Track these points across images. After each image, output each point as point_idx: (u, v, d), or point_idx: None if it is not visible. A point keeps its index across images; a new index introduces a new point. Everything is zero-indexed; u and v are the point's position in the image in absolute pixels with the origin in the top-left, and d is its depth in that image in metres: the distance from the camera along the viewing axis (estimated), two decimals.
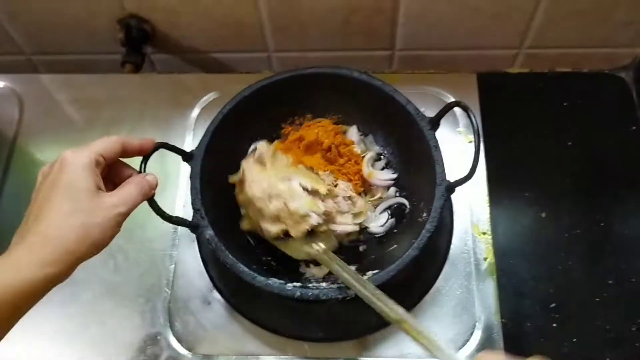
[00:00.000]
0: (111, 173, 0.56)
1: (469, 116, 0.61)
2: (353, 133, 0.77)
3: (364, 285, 0.56)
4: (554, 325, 0.74)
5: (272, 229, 0.64)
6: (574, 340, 0.74)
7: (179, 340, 0.69)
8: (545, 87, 0.93)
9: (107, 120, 0.84)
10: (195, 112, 0.84)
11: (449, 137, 0.78)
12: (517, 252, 0.79)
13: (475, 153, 0.59)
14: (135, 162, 0.58)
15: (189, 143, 0.82)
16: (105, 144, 0.53)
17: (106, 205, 0.50)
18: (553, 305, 0.76)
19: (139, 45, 0.89)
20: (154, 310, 0.70)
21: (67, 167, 0.50)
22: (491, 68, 0.94)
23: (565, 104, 0.90)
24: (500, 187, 0.82)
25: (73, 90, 0.87)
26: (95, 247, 0.49)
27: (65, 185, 0.49)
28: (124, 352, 0.68)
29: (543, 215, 0.82)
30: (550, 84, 0.93)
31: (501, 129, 0.87)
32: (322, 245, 0.64)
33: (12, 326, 0.47)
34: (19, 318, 0.47)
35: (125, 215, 0.51)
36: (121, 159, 0.57)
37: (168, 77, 0.90)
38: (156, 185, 0.56)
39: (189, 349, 0.68)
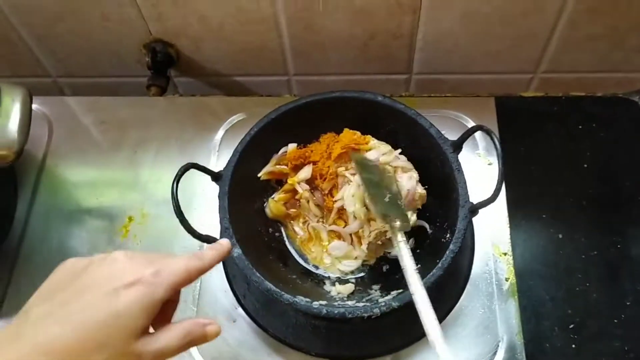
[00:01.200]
0: None
1: (492, 140, 0.62)
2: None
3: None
4: (573, 346, 0.75)
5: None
6: None
7: (204, 358, 0.69)
8: (560, 110, 0.94)
9: (133, 141, 0.86)
10: (220, 134, 0.86)
11: (468, 159, 0.79)
12: (536, 273, 0.79)
13: (499, 176, 0.61)
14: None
15: (214, 163, 0.83)
16: (180, 275, 0.43)
17: (139, 355, 0.40)
18: (572, 326, 0.76)
19: (164, 69, 0.91)
20: None
21: (126, 296, 0.40)
22: (506, 92, 0.96)
23: (580, 127, 0.92)
24: (518, 209, 0.83)
25: (99, 113, 0.89)
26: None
27: (111, 312, 0.40)
28: None
29: (560, 236, 0.83)
30: (565, 107, 0.94)
31: (518, 151, 0.89)
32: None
33: None
34: None
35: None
36: None
37: (192, 99, 0.92)
38: (218, 333, 0.46)
39: None
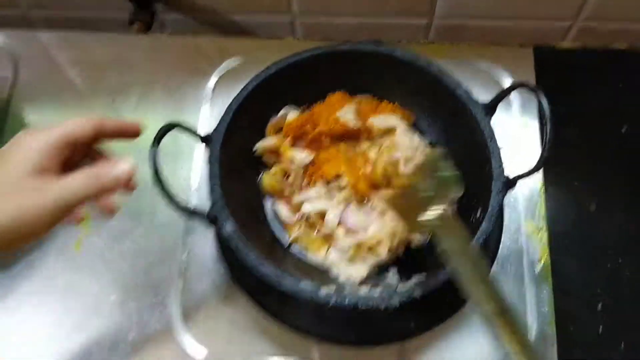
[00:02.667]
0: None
1: (539, 100, 0.55)
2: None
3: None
4: (601, 328, 0.69)
5: None
6: (622, 345, 0.69)
7: (192, 337, 0.63)
8: (599, 65, 0.86)
9: (112, 86, 0.77)
10: (212, 81, 0.77)
11: (500, 120, 0.70)
12: (563, 247, 0.73)
13: (546, 143, 0.55)
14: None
15: (205, 114, 0.75)
16: (73, 126, 0.47)
17: (39, 188, 0.44)
18: (601, 306, 0.70)
19: (149, 1, 0.80)
20: (163, 304, 0.64)
21: (18, 142, 0.46)
22: (539, 42, 0.86)
23: (620, 85, 0.84)
24: (554, 177, 0.76)
25: (75, 51, 0.79)
26: (14, 231, 0.43)
27: (5, 157, 0.45)
28: (131, 350, 0.62)
29: (593, 207, 0.76)
30: (605, 62, 0.86)
31: (552, 111, 0.81)
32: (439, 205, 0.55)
33: None
34: None
35: (62, 205, 0.44)
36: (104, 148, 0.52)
37: (181, 39, 0.82)
38: (127, 176, 0.48)
39: (203, 347, 0.62)
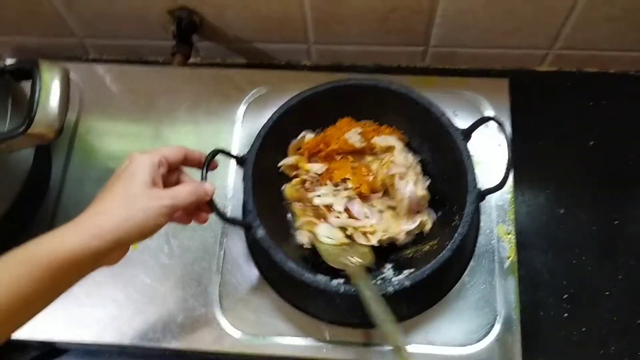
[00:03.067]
0: (173, 179, 0.63)
1: (503, 131, 0.66)
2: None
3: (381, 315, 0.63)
4: (565, 315, 0.81)
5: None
6: (583, 329, 0.80)
7: (228, 321, 0.75)
8: (573, 86, 0.97)
9: (160, 111, 0.89)
10: (243, 107, 0.89)
11: (478, 140, 0.81)
12: (535, 245, 0.85)
13: (507, 166, 0.65)
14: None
15: (237, 135, 0.87)
16: (170, 150, 0.61)
17: (154, 196, 0.55)
18: (566, 296, 0.82)
19: (188, 35, 0.93)
20: (205, 293, 0.77)
21: (132, 162, 0.57)
22: (520, 65, 0.98)
23: (590, 103, 0.94)
24: (522, 184, 0.87)
25: (127, 81, 0.91)
26: (138, 230, 0.54)
27: (126, 175, 0.56)
28: (180, 330, 0.75)
29: (562, 211, 0.87)
30: (578, 83, 0.97)
31: (527, 126, 0.91)
32: (358, 259, 0.70)
33: (56, 295, 0.52)
34: (63, 288, 0.52)
35: (170, 208, 0.56)
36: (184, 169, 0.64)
37: (215, 71, 0.94)
38: (212, 193, 0.62)
39: (237, 329, 0.75)
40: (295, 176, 0.80)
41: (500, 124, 0.67)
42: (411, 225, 0.75)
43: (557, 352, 0.80)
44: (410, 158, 0.79)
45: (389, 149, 0.80)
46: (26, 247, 0.51)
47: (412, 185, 0.75)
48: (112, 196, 0.55)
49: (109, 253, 0.54)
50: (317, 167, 0.79)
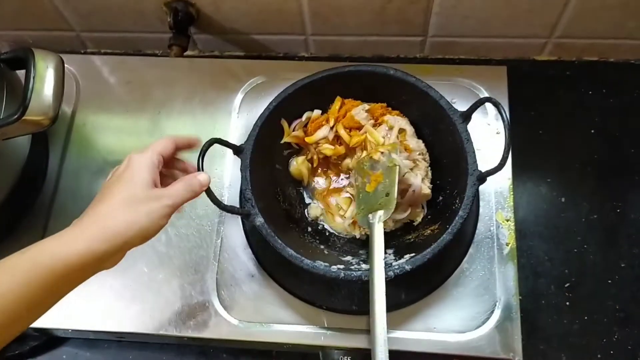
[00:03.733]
0: (170, 168, 0.64)
1: (500, 112, 0.65)
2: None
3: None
4: (567, 303, 0.81)
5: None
6: (585, 318, 0.80)
7: (225, 308, 0.75)
8: (572, 75, 0.97)
9: (157, 101, 0.89)
10: (240, 96, 0.89)
11: (478, 127, 0.82)
12: (536, 234, 0.85)
13: (505, 146, 0.64)
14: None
15: (234, 124, 0.87)
16: (163, 144, 0.61)
17: (156, 197, 0.56)
18: (567, 285, 0.82)
19: (185, 27, 0.93)
20: (203, 281, 0.77)
21: (131, 164, 0.57)
22: (520, 55, 0.98)
23: (590, 92, 0.95)
24: (523, 173, 0.87)
25: (124, 72, 0.91)
26: (142, 233, 0.55)
27: (126, 178, 0.56)
28: (177, 318, 0.75)
29: (563, 200, 0.87)
30: (578, 72, 0.97)
31: (526, 115, 0.92)
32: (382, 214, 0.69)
33: (58, 298, 0.53)
34: (66, 291, 0.53)
35: (171, 207, 0.57)
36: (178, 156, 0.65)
37: (214, 61, 0.95)
38: (208, 183, 0.62)
39: (234, 316, 0.74)
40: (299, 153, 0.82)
41: (497, 105, 0.66)
42: (402, 214, 0.75)
43: (559, 340, 0.80)
44: (422, 145, 0.78)
45: (400, 131, 0.79)
46: (31, 251, 0.51)
47: (420, 180, 0.74)
48: (114, 199, 0.55)
49: (112, 256, 0.55)
50: (322, 133, 0.79)
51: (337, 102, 0.79)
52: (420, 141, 0.79)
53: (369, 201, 0.72)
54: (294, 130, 0.80)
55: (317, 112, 0.80)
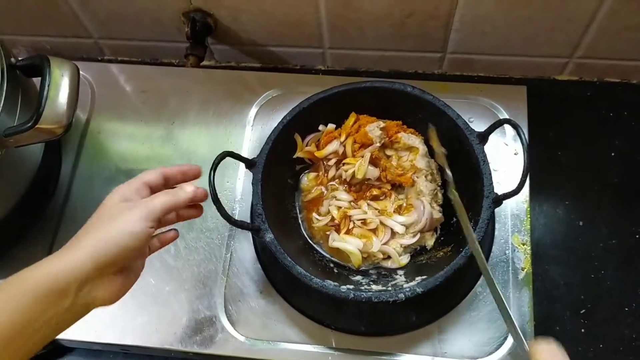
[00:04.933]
0: None
1: (519, 135, 0.64)
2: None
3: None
4: (582, 330, 0.79)
5: None
6: (601, 345, 0.78)
7: (232, 324, 0.74)
8: (593, 96, 0.95)
9: (172, 110, 0.89)
10: (254, 109, 0.88)
11: (495, 147, 0.81)
12: (552, 258, 0.83)
13: (524, 170, 0.63)
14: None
15: (248, 137, 0.86)
16: (150, 175, 0.61)
17: (126, 207, 0.56)
18: (583, 311, 0.80)
19: (203, 38, 0.93)
20: (210, 295, 0.76)
21: (112, 194, 0.58)
22: (540, 74, 0.96)
23: (611, 114, 0.93)
24: (541, 194, 0.85)
25: (140, 81, 0.92)
26: (115, 243, 0.53)
27: (101, 205, 0.57)
28: (183, 332, 0.74)
29: (580, 223, 0.85)
30: (598, 93, 0.95)
31: (546, 135, 0.90)
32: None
33: (50, 329, 0.51)
34: (55, 320, 0.51)
35: (146, 212, 0.56)
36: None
37: (229, 73, 0.94)
38: (193, 192, 0.61)
39: (241, 333, 0.74)
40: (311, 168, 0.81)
41: (516, 127, 0.65)
42: (410, 240, 0.74)
43: None
44: (433, 165, 0.78)
45: (412, 150, 0.78)
46: (22, 273, 0.51)
47: (429, 206, 0.73)
48: (90, 224, 0.56)
49: (93, 277, 0.53)
50: (332, 147, 0.78)
51: (352, 117, 0.78)
52: (432, 160, 0.78)
53: None
54: (307, 145, 0.79)
55: (331, 126, 0.79)
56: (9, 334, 0.48)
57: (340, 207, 0.76)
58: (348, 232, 0.75)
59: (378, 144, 0.77)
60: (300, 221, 0.79)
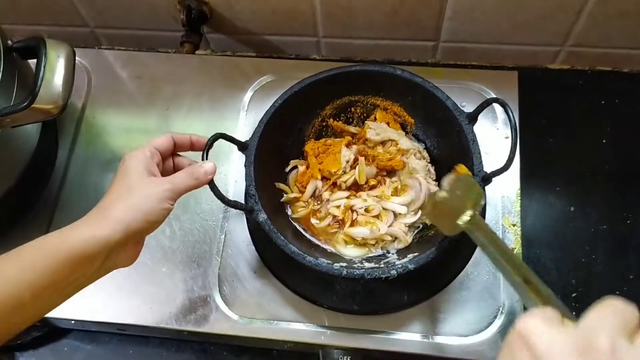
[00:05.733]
0: (173, 166, 0.65)
1: (506, 112, 0.64)
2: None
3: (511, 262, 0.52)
4: (573, 313, 0.78)
5: None
6: None
7: (226, 304, 0.75)
8: (585, 84, 0.96)
9: (166, 97, 0.90)
10: (249, 94, 0.89)
11: (486, 132, 0.81)
12: (544, 243, 0.84)
13: (512, 146, 0.63)
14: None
15: (242, 122, 0.87)
16: (160, 140, 0.63)
17: (154, 183, 0.58)
18: (574, 295, 0.80)
19: (198, 26, 0.94)
20: (205, 275, 0.76)
21: (125, 161, 0.59)
22: (532, 63, 0.97)
23: (602, 102, 0.94)
24: (532, 181, 0.86)
25: (136, 67, 0.92)
26: (143, 217, 0.56)
27: (121, 172, 0.58)
28: (178, 311, 0.75)
29: (572, 209, 0.86)
30: (590, 81, 0.96)
31: (538, 123, 0.91)
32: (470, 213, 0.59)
33: (67, 290, 0.54)
34: (74, 282, 0.54)
35: (172, 192, 0.58)
36: (183, 153, 0.66)
37: (224, 59, 0.96)
38: (213, 172, 0.63)
39: (235, 312, 0.74)
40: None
41: (504, 105, 0.65)
42: (413, 218, 0.75)
43: None
44: (416, 143, 0.79)
45: (392, 143, 0.80)
46: (37, 240, 0.53)
47: (425, 182, 0.74)
48: (113, 193, 0.57)
49: (120, 245, 0.55)
50: (310, 189, 0.79)
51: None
52: (414, 140, 0.80)
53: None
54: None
55: (301, 169, 0.80)
56: (38, 291, 0.51)
57: (339, 206, 0.76)
58: (353, 223, 0.75)
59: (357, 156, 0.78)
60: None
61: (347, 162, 0.77)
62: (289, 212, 0.79)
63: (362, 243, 0.75)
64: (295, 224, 0.77)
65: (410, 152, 0.77)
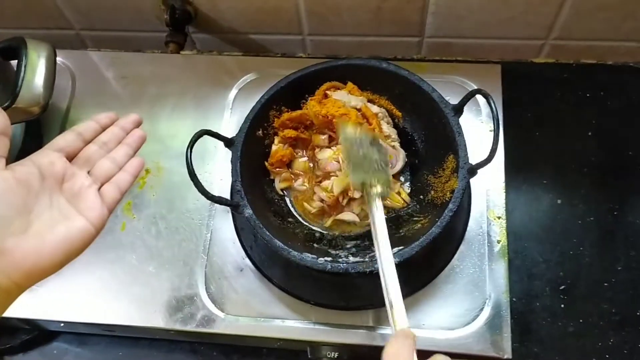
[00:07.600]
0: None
1: (488, 102, 0.64)
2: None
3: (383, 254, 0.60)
4: (562, 305, 0.80)
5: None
6: (580, 320, 0.79)
7: (213, 302, 0.75)
8: (570, 77, 0.96)
9: (151, 96, 0.89)
10: (233, 92, 0.89)
11: (471, 126, 0.82)
12: (532, 236, 0.84)
13: (494, 136, 0.63)
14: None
15: (227, 119, 0.87)
16: (60, 140, 0.55)
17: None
18: (562, 287, 0.80)
19: (182, 25, 0.94)
20: (191, 274, 0.76)
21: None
22: (517, 57, 0.98)
23: (588, 95, 0.94)
24: (519, 174, 0.86)
25: (120, 68, 0.92)
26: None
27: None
28: (164, 310, 0.74)
29: (559, 202, 0.86)
30: (575, 74, 0.96)
31: (523, 117, 0.92)
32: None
33: None
34: None
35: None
36: None
37: (208, 58, 0.96)
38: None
39: (222, 310, 0.74)
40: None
41: (486, 96, 0.65)
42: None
43: (553, 343, 0.78)
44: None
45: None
46: None
47: (400, 149, 0.76)
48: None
49: None
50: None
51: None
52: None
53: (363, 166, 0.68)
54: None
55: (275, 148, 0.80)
56: None
57: (328, 189, 0.76)
58: (350, 202, 0.76)
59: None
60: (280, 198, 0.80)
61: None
62: (276, 183, 0.79)
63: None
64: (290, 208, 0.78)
65: (379, 116, 0.78)
